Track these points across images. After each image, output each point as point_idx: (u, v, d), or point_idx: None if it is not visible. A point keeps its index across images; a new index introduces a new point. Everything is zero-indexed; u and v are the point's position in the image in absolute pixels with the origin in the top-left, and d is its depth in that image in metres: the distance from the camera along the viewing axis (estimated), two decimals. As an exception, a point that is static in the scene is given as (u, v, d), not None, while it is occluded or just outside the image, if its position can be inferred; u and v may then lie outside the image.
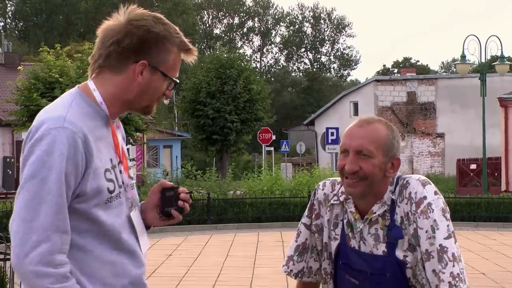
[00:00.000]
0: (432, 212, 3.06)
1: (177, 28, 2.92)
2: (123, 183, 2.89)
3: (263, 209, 22.86)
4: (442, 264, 3.02)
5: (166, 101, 3.03)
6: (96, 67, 2.87)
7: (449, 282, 3.00)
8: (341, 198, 3.25)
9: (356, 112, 51.23)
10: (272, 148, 47.26)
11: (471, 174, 37.39)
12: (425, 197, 3.09)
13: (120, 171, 2.89)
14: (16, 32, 79.88)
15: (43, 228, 2.63)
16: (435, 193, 3.12)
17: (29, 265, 2.62)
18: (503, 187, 34.98)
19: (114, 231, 2.81)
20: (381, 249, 3.15)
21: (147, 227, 3.08)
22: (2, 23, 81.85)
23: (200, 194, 24.71)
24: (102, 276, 2.79)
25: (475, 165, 37.41)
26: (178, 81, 2.94)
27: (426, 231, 3.05)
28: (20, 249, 2.63)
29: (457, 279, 3.00)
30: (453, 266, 3.01)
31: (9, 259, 10.47)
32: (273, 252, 16.50)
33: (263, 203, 23.18)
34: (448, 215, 3.11)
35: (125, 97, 2.87)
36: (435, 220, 3.05)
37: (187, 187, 28.55)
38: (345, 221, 3.24)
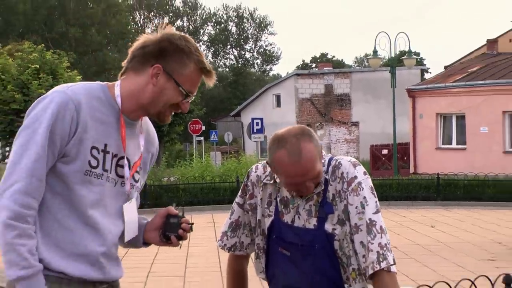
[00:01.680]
0: (362, 190, 3.15)
1: (199, 49, 2.95)
2: (117, 174, 2.94)
3: (195, 193, 22.90)
4: (371, 236, 3.09)
5: (185, 109, 3.00)
6: (124, 69, 2.97)
7: (377, 252, 3.07)
8: (277, 180, 3.27)
9: (278, 104, 51.39)
10: (202, 138, 47.24)
11: (383, 158, 37.90)
12: (356, 177, 3.16)
13: (121, 166, 2.95)
14: (-41, 32, 78.14)
15: (22, 171, 2.74)
16: (364, 173, 3.20)
17: (4, 199, 2.73)
18: (412, 170, 35.51)
19: (83, 204, 2.85)
20: (312, 223, 3.20)
21: (146, 243, 3.16)
22: None
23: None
24: (56, 238, 2.83)
25: (387, 150, 37.92)
26: (191, 94, 2.95)
27: (356, 207, 3.13)
28: (3, 185, 2.76)
29: (384, 248, 3.07)
30: (381, 237, 3.10)
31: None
32: (205, 233, 16.53)
33: (195, 188, 23.22)
34: (375, 193, 3.20)
35: (140, 97, 2.93)
36: (364, 197, 3.14)
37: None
38: (278, 199, 3.29)
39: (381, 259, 3.07)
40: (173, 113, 3.01)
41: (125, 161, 2.96)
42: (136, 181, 3.05)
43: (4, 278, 2.86)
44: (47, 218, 2.82)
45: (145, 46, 2.91)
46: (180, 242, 3.09)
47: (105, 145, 2.89)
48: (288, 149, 3.08)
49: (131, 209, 3.01)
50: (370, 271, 3.09)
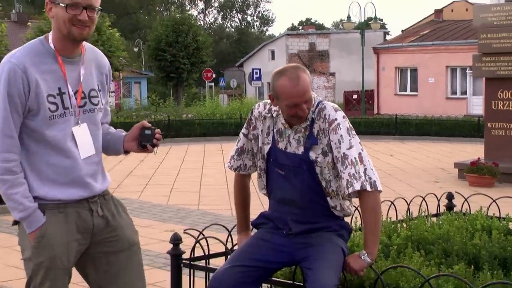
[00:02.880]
0: (340, 129, 3.13)
1: None
2: (70, 106, 2.80)
3: (208, 127, 22.86)
4: (343, 166, 3.12)
5: (83, 18, 2.73)
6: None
7: (347, 179, 3.10)
8: (274, 114, 3.30)
9: (273, 57, 51.01)
10: (212, 84, 46.94)
11: (354, 102, 37.84)
12: (336, 119, 3.15)
13: (70, 97, 2.80)
14: (24, -3, 77.45)
15: None
16: (343, 117, 3.19)
17: None
18: (375, 111, 35.53)
19: (58, 141, 2.77)
20: (300, 150, 3.22)
21: (126, 151, 3.05)
22: (13, -9, 79.46)
23: (162, 116, 24.59)
24: (47, 174, 2.78)
25: (356, 95, 37.84)
26: (75, 3, 2.72)
27: (335, 143, 3.14)
28: None
29: (352, 177, 3.09)
30: (351, 168, 3.09)
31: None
32: (215, 158, 16.60)
33: (208, 123, 23.15)
34: (353, 132, 3.17)
35: (58, 34, 2.78)
36: (341, 135, 3.13)
37: (153, 112, 28.40)
38: (275, 130, 3.30)
39: (348, 185, 3.11)
40: (86, 27, 2.76)
41: (69, 93, 2.80)
42: (95, 104, 2.89)
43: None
44: (35, 161, 2.77)
45: None
46: (155, 149, 3.00)
47: (59, 89, 2.77)
48: (289, 76, 3.12)
49: (81, 131, 2.85)
50: (342, 194, 3.20)
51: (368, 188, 3.09)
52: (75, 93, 2.82)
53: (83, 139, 2.85)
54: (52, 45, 2.78)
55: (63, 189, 2.80)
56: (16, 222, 2.86)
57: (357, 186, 3.08)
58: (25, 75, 2.68)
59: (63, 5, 2.72)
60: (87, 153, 2.86)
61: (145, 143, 2.96)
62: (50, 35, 2.81)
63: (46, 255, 2.77)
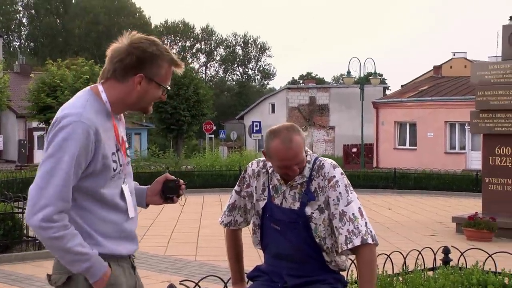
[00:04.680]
0: (339, 187, 3.16)
1: (167, 48, 2.76)
2: (120, 163, 2.76)
3: (207, 178, 22.83)
4: (341, 223, 3.12)
5: (164, 99, 2.82)
6: (104, 77, 2.72)
7: (346, 236, 3.10)
8: (270, 170, 3.33)
9: (273, 110, 51.32)
10: (213, 136, 47.07)
11: (353, 155, 37.90)
12: (334, 176, 3.18)
13: (119, 153, 2.76)
14: (28, 49, 78.28)
15: (50, 196, 2.52)
16: (341, 173, 3.22)
17: (36, 221, 2.52)
18: (374, 164, 35.58)
19: (113, 199, 2.70)
20: (296, 205, 3.23)
21: (147, 205, 3.02)
22: (18, 43, 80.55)
23: (161, 168, 24.61)
24: (105, 230, 2.68)
25: (356, 148, 37.93)
26: (169, 88, 2.81)
27: (333, 200, 3.16)
28: (31, 208, 2.53)
29: (351, 233, 3.09)
30: (349, 225, 3.10)
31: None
32: (214, 209, 16.55)
33: (207, 175, 23.14)
34: (351, 188, 3.19)
35: (126, 101, 2.72)
36: (340, 193, 3.15)
37: (153, 163, 28.42)
38: (271, 186, 3.31)
39: (347, 242, 3.10)
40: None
41: (121, 151, 2.78)
42: (129, 156, 2.87)
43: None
44: (90, 218, 2.66)
45: (122, 59, 2.67)
46: (180, 199, 2.98)
47: (116, 145, 2.73)
48: (282, 138, 3.14)
49: (128, 188, 2.82)
50: (340, 250, 3.17)
51: (370, 241, 3.09)
52: (119, 149, 2.79)
53: (131, 196, 2.83)
54: (108, 106, 2.70)
55: (121, 244, 2.73)
56: (64, 284, 2.67)
57: (357, 242, 3.07)
58: (96, 137, 2.59)
59: (163, 87, 2.75)
60: (135, 208, 2.84)
61: (170, 195, 2.95)
62: (103, 95, 2.70)
63: None
